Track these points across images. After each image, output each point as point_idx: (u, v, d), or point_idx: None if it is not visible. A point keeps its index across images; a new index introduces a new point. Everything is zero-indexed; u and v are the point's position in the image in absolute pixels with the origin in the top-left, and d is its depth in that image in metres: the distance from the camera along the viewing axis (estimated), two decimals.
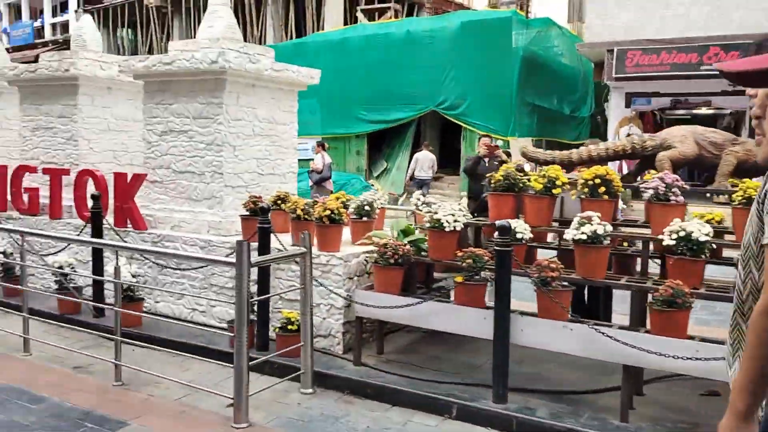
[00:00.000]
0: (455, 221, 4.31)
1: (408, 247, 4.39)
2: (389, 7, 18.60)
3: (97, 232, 5.51)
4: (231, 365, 3.72)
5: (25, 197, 6.62)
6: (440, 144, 17.01)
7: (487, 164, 8.71)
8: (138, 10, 23.53)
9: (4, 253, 6.03)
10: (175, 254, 4.76)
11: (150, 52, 23.72)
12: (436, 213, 4.35)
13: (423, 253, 4.51)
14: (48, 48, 26.64)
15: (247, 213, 5.28)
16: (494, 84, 14.69)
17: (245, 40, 21.73)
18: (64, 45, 26.80)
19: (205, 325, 5.17)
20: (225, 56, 5.41)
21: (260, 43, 20.32)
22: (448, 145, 16.47)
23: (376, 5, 19.03)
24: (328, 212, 4.67)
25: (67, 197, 6.42)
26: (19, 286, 5.28)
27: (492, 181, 4.57)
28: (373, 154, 17.08)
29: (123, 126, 7.09)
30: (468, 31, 15.00)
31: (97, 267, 5.50)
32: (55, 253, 5.87)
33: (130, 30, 25.70)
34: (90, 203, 5.72)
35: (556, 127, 16.60)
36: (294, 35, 20.24)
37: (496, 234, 3.91)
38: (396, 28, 16.49)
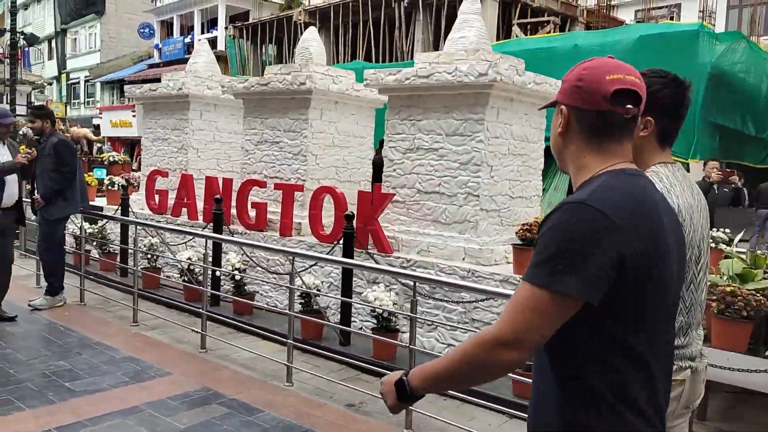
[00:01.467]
0: None
1: (760, 296, 3.65)
2: (549, 21, 17.81)
3: (348, 253, 5.18)
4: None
5: (252, 212, 6.48)
6: None
7: (717, 191, 7.74)
8: (286, 27, 24.17)
9: (238, 269, 5.87)
10: (457, 284, 4.28)
11: None
12: None
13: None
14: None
15: (520, 242, 4.75)
16: None
17: (394, 56, 21.57)
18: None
19: None
20: (497, 68, 4.93)
21: (409, 59, 20.18)
22: None
23: (531, 19, 18.30)
24: None
25: (296, 214, 6.23)
26: (271, 307, 5.03)
27: None
28: None
29: (345, 142, 6.84)
30: (647, 45, 13.83)
31: (347, 290, 5.16)
32: (298, 272, 5.61)
33: (274, 46, 26.55)
34: (344, 223, 5.42)
35: (740, 148, 15.01)
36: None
37: None
38: (561, 42, 15.59)
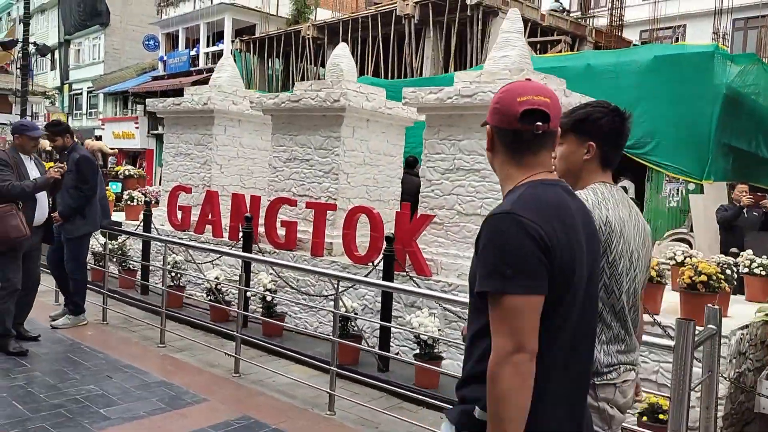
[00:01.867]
0: None
1: None
2: (560, 40, 17.85)
3: (389, 276, 5.03)
4: None
5: (281, 231, 6.33)
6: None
7: (746, 215, 7.64)
8: (294, 41, 24.17)
9: (269, 290, 5.71)
10: None
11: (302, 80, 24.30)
12: None
13: None
14: (202, 75, 28.07)
15: None
16: (689, 122, 13.38)
17: (403, 73, 21.50)
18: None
19: None
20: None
21: (419, 75, 20.16)
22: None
23: (541, 38, 18.34)
24: (704, 278, 3.90)
25: (327, 234, 6.08)
26: (310, 331, 4.86)
27: None
28: None
29: (375, 160, 6.71)
30: (661, 66, 13.87)
31: (386, 314, 5.00)
32: (332, 295, 5.45)
33: (282, 60, 26.54)
34: (380, 244, 5.29)
35: (755, 170, 15.01)
36: (453, 68, 19.92)
37: None
38: (573, 61, 15.62)
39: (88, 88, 34.84)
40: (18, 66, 16.49)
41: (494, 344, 1.45)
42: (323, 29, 23.20)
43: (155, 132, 30.28)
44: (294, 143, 6.67)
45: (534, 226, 1.46)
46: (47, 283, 7.47)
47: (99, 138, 30.86)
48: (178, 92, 29.31)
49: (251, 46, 26.01)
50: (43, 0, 39.39)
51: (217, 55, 28.86)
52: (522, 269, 1.44)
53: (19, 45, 14.86)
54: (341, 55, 6.80)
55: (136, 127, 30.94)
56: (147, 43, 31.61)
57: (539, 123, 1.55)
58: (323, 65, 24.26)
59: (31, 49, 16.35)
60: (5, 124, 23.28)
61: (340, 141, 6.31)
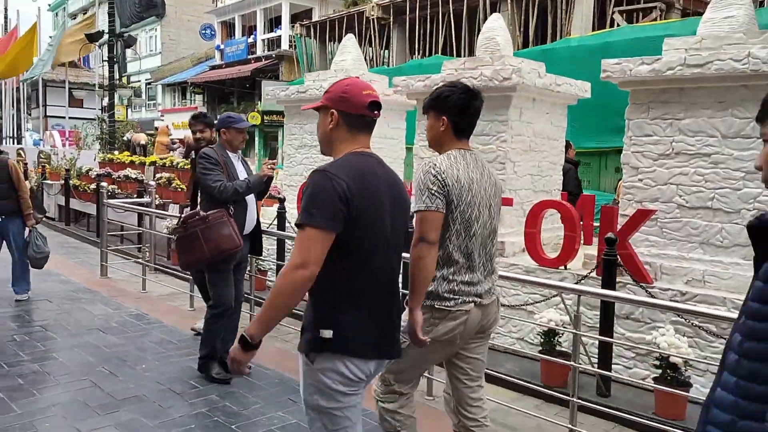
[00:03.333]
0: None
1: None
2: (654, 7, 16.52)
3: (610, 284, 4.23)
4: None
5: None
6: None
7: None
8: (357, 22, 23.37)
9: None
10: None
11: (368, 64, 23.53)
12: None
13: None
14: (261, 63, 27.58)
15: None
16: None
17: (475, 49, 20.58)
18: (276, 60, 27.63)
19: None
20: None
21: None
22: None
23: (636, 6, 17.03)
24: None
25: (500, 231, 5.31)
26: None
27: None
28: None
29: (540, 145, 5.91)
30: None
31: (608, 328, 4.22)
32: (528, 305, 4.72)
33: (335, 43, 25.78)
34: (575, 245, 4.50)
35: None
36: (532, 43, 18.80)
37: None
38: (679, 29, 14.41)
39: (146, 80, 34.86)
40: (103, 59, 16.14)
41: (291, 258, 1.94)
42: (388, 9, 22.29)
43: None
44: None
45: (339, 181, 1.96)
46: (173, 284, 6.99)
47: (157, 130, 30.83)
48: (237, 80, 28.98)
49: (311, 30, 25.31)
50: None
51: (275, 42, 28.33)
52: (323, 209, 1.93)
53: (105, 36, 14.52)
54: (496, 28, 5.97)
55: None
56: (203, 32, 31.29)
57: (376, 111, 2.14)
58: (387, 47, 23.44)
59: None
60: (92, 119, 23.27)
61: (507, 125, 5.52)
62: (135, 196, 9.49)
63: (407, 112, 7.44)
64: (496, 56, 5.70)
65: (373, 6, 22.77)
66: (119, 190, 10.20)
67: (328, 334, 1.99)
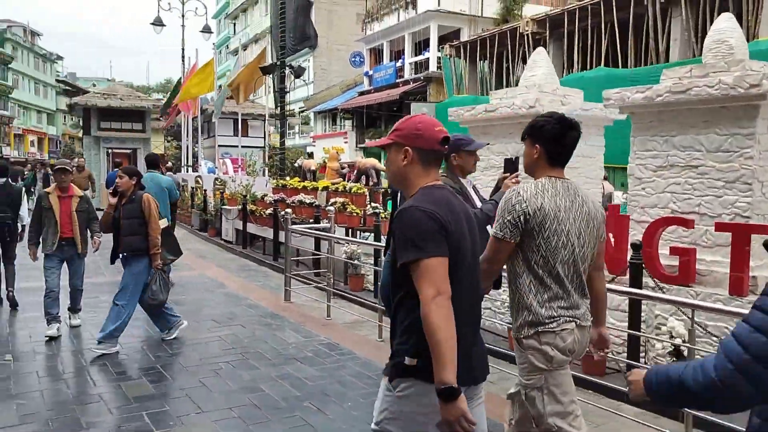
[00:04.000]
0: None
1: None
2: None
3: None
4: None
5: (669, 260, 4.86)
6: None
7: None
8: (509, 39, 22.78)
9: (683, 339, 4.25)
10: None
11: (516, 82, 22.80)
12: None
13: None
14: (409, 86, 27.86)
15: None
16: None
17: (642, 59, 18.95)
18: (424, 82, 27.76)
19: None
20: None
21: (664, 61, 17.60)
22: None
23: None
24: None
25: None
26: None
27: None
28: None
29: None
30: None
31: None
32: None
33: (490, 62, 25.31)
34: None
35: None
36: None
37: None
38: None
39: (300, 108, 36.71)
40: (275, 89, 17.06)
41: (422, 295, 1.99)
42: (544, 23, 21.47)
43: (362, 146, 30.84)
44: (670, 146, 5.18)
45: (431, 212, 2.06)
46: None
47: (311, 155, 32.22)
48: (384, 105, 29.52)
49: (460, 50, 25.12)
50: (256, 30, 42.66)
51: (422, 65, 28.52)
52: (429, 241, 2.02)
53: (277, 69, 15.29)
54: (726, 29, 5.15)
55: (345, 142, 31.80)
56: (353, 60, 32.35)
57: (446, 146, 2.23)
58: None
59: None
60: (258, 147, 24.83)
61: (753, 139, 4.68)
62: (311, 220, 9.61)
63: (605, 127, 6.77)
64: (733, 61, 4.90)
65: (527, 21, 22.07)
66: (294, 215, 10.43)
67: (413, 361, 2.04)
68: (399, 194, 7.70)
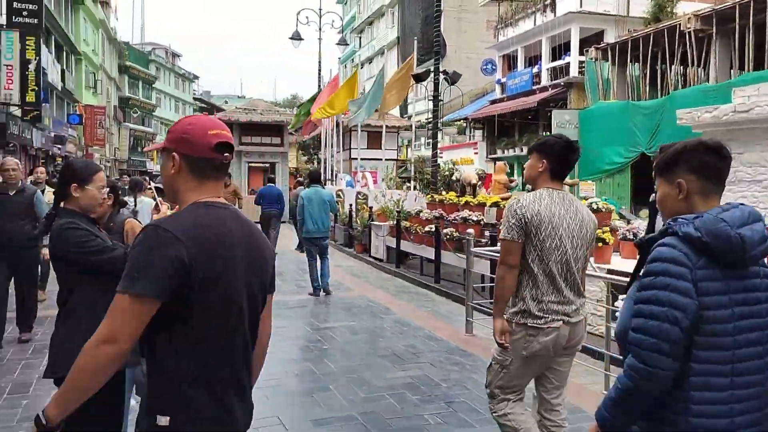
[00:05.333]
0: None
1: None
2: None
3: None
4: None
5: None
6: None
7: None
8: (666, 38, 20.67)
9: None
10: None
11: (684, 83, 20.64)
12: None
13: None
14: (547, 93, 26.28)
15: None
16: None
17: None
18: (564, 88, 26.07)
19: None
20: None
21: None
22: None
23: None
24: None
25: None
26: None
27: None
28: None
29: None
30: None
31: None
32: None
33: (640, 65, 23.18)
34: None
35: None
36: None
37: None
38: None
39: (426, 119, 36.11)
40: (427, 97, 16.46)
41: (98, 329, 1.64)
42: (710, 19, 19.22)
43: (493, 156, 29.57)
44: (738, 162, 3.80)
45: (171, 235, 1.65)
46: None
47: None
48: (517, 113, 28.13)
49: (607, 53, 23.24)
50: (382, 43, 42.78)
51: (562, 70, 26.82)
52: (145, 272, 1.62)
53: (431, 76, 14.67)
54: None
55: (475, 153, 30.69)
56: (485, 68, 31.30)
57: (227, 154, 1.81)
58: (703, 63, 20.21)
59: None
60: (392, 159, 24.53)
61: None
62: (483, 240, 8.66)
63: None
64: None
65: (689, 17, 19.90)
66: (456, 233, 9.55)
67: (164, 421, 1.68)
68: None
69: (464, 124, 21.56)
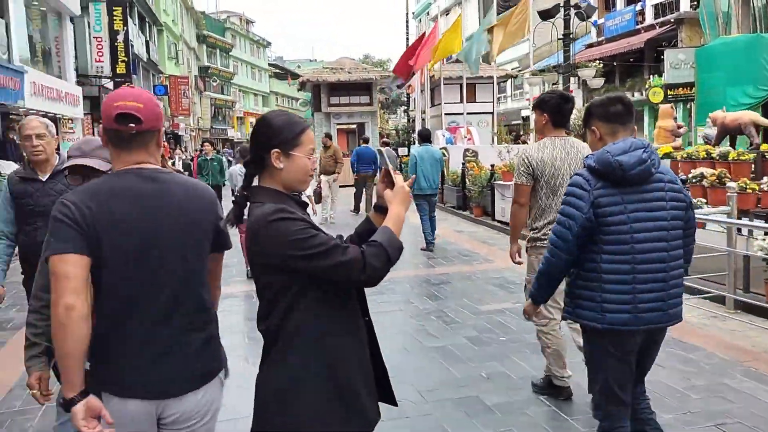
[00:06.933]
0: None
1: None
2: None
3: None
4: None
5: None
6: None
7: None
8: None
9: None
10: None
11: None
12: None
13: None
14: (654, 31, 23.81)
15: None
16: None
17: None
18: (674, 25, 23.52)
19: None
20: None
21: None
22: None
23: None
24: None
25: None
26: None
27: None
28: None
29: None
30: None
31: None
32: None
33: None
34: None
35: None
36: None
37: None
38: None
39: (513, 68, 34.07)
40: (558, 37, 15.07)
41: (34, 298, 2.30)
42: None
43: (587, 105, 27.42)
44: None
45: (72, 205, 1.79)
46: None
47: (526, 119, 29.46)
48: (617, 56, 25.74)
49: None
50: None
51: (670, 5, 24.20)
52: (59, 234, 1.77)
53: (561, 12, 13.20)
54: None
55: None
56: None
57: (132, 124, 1.84)
58: None
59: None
60: (487, 112, 23.14)
61: None
62: None
63: None
64: None
65: None
66: None
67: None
68: None
69: (600, 64, 19.41)
